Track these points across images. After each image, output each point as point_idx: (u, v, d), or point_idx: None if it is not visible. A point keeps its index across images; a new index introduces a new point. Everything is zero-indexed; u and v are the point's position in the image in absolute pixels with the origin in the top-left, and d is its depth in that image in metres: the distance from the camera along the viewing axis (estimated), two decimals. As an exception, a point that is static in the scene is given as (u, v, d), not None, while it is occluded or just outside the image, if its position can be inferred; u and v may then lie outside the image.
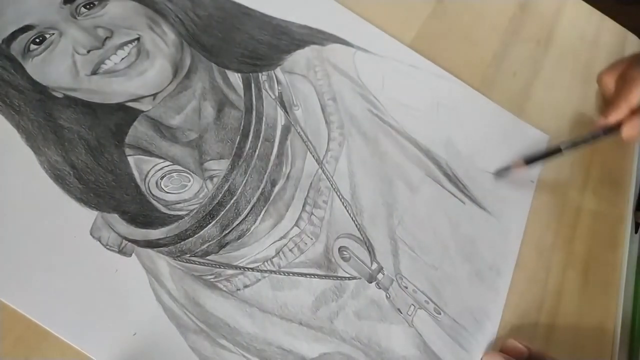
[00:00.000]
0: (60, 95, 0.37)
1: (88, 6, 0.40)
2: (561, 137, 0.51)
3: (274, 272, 0.36)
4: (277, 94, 0.42)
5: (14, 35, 0.37)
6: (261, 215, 0.37)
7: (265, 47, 0.44)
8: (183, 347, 0.32)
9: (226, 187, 0.37)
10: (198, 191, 0.37)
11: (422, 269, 0.40)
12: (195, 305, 0.33)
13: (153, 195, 0.36)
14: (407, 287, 0.38)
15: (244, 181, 0.38)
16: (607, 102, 0.52)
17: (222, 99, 0.41)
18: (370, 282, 0.38)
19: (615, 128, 0.44)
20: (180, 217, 0.36)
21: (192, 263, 0.35)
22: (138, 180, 0.36)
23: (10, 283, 0.31)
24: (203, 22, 0.43)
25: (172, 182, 0.37)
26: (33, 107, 0.36)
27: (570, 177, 0.50)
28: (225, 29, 0.44)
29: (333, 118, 0.43)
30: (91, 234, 0.33)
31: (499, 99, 0.51)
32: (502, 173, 0.46)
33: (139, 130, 0.38)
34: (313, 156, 0.41)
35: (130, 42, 0.39)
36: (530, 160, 0.46)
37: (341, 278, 0.37)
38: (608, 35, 0.62)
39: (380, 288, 0.38)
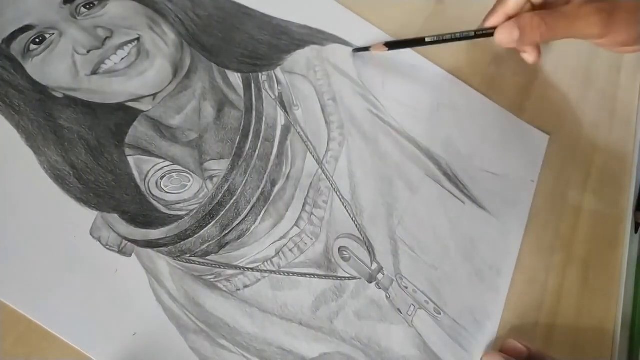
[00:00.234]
0: (60, 95, 0.37)
1: (88, 6, 0.40)
2: (561, 137, 0.51)
3: (274, 272, 0.36)
4: (277, 94, 0.42)
5: (13, 35, 0.37)
6: (261, 215, 0.37)
7: (265, 47, 0.44)
8: (183, 347, 0.32)
9: (226, 187, 0.37)
10: (198, 191, 0.37)
11: (422, 269, 0.40)
12: (195, 305, 0.33)
13: (153, 195, 0.36)
14: (407, 287, 0.38)
15: (244, 181, 0.38)
16: None
17: (222, 99, 0.41)
18: (370, 282, 0.38)
19: (489, 32, 0.43)
20: (180, 217, 0.36)
21: (192, 263, 0.35)
22: (138, 180, 0.36)
23: (10, 283, 0.31)
24: (203, 22, 0.43)
25: (172, 182, 0.37)
26: (33, 107, 0.36)
27: (570, 177, 0.50)
28: (225, 29, 0.44)
29: (333, 118, 0.43)
30: (91, 234, 0.33)
31: (499, 99, 0.51)
32: (359, 50, 0.46)
33: (139, 130, 0.38)
34: (313, 156, 0.41)
35: (130, 42, 0.39)
36: (392, 45, 0.45)
37: (341, 278, 0.37)
38: (608, 35, 0.62)
39: (380, 288, 0.38)
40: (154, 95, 0.39)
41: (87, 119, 0.37)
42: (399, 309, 0.38)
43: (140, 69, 0.39)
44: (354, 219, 0.39)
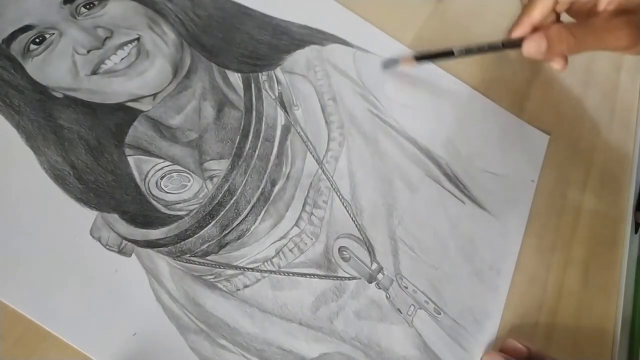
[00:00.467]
0: (60, 95, 0.37)
1: (88, 6, 0.40)
2: (561, 137, 0.51)
3: (274, 272, 0.36)
4: (277, 94, 0.42)
5: (13, 35, 0.37)
6: (261, 215, 0.37)
7: (265, 47, 0.44)
8: (183, 347, 0.32)
9: (226, 187, 0.37)
10: (198, 191, 0.37)
11: (422, 269, 0.40)
12: (195, 305, 0.33)
13: (153, 195, 0.36)
14: (407, 287, 0.38)
15: (244, 181, 0.38)
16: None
17: (222, 99, 0.41)
18: (370, 282, 0.38)
19: (517, 43, 0.42)
20: (180, 217, 0.36)
21: (192, 263, 0.35)
22: (138, 180, 0.36)
23: (10, 283, 0.31)
24: (203, 22, 0.43)
25: (172, 182, 0.37)
26: (33, 107, 0.36)
27: (570, 177, 0.50)
28: (225, 29, 0.44)
29: (333, 118, 0.43)
30: (91, 234, 0.33)
31: (499, 99, 0.51)
32: (389, 64, 0.46)
33: (139, 130, 0.38)
34: (313, 156, 0.41)
35: (130, 42, 0.39)
36: (420, 57, 0.45)
37: (341, 278, 0.37)
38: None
39: (380, 288, 0.38)
40: (154, 95, 0.39)
41: (87, 119, 0.37)
42: (399, 309, 0.38)
43: (140, 69, 0.39)
44: (354, 219, 0.39)
